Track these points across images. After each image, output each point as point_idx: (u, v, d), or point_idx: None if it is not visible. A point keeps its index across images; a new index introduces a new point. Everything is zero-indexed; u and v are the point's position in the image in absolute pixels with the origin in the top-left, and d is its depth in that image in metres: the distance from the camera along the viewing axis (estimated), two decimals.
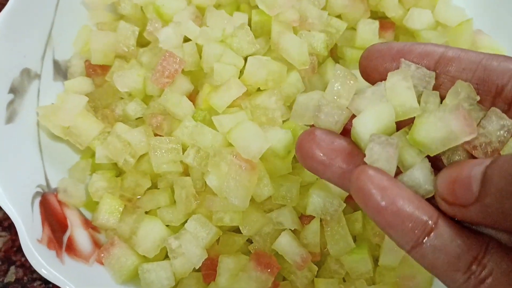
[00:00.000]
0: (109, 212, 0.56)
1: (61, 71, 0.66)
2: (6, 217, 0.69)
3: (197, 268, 0.53)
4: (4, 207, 0.50)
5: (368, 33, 0.65)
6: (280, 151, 0.53)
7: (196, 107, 0.58)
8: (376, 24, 0.65)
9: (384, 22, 0.68)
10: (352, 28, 0.67)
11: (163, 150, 0.55)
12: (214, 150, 0.52)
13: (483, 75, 0.37)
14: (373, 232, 0.55)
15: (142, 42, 0.66)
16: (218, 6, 0.66)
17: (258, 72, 0.56)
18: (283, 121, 0.58)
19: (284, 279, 0.57)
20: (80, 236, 0.56)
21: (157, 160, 0.55)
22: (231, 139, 0.51)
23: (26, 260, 0.62)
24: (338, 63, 0.67)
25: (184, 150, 0.56)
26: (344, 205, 0.53)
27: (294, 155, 0.54)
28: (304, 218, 0.56)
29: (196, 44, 0.60)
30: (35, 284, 0.66)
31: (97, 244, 0.57)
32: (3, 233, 0.70)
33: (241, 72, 0.59)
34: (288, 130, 0.54)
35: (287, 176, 0.55)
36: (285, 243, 0.53)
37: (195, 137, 0.54)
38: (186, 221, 0.57)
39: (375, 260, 0.56)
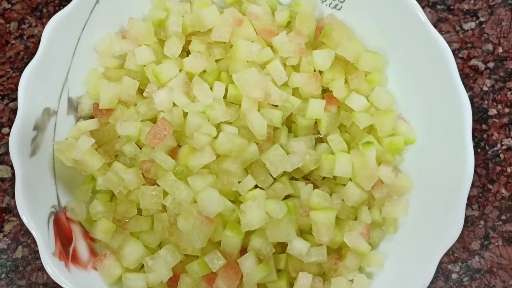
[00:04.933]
0: (104, 231, 0.75)
1: (73, 106, 0.82)
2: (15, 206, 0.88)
3: (164, 282, 0.74)
4: (30, 229, 0.69)
5: (316, 108, 0.83)
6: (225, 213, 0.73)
7: (177, 161, 0.76)
8: (323, 102, 0.83)
9: (331, 96, 0.86)
10: (305, 99, 0.85)
11: (149, 195, 0.74)
12: (185, 206, 0.72)
13: None
14: (292, 268, 0.77)
15: (140, 91, 0.83)
16: (203, 73, 0.83)
17: (226, 145, 0.75)
18: None
19: None
20: (81, 247, 0.76)
21: (144, 201, 0.74)
22: (197, 199, 0.71)
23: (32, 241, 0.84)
24: (291, 127, 0.86)
25: (164, 194, 0.75)
26: (274, 250, 0.75)
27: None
28: (244, 251, 0.77)
29: (183, 110, 0.78)
30: (37, 262, 0.86)
31: (93, 253, 0.77)
32: (13, 218, 0.90)
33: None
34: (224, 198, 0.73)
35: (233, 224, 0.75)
36: None
37: (173, 190, 0.73)
38: (160, 243, 0.77)
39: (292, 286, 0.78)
